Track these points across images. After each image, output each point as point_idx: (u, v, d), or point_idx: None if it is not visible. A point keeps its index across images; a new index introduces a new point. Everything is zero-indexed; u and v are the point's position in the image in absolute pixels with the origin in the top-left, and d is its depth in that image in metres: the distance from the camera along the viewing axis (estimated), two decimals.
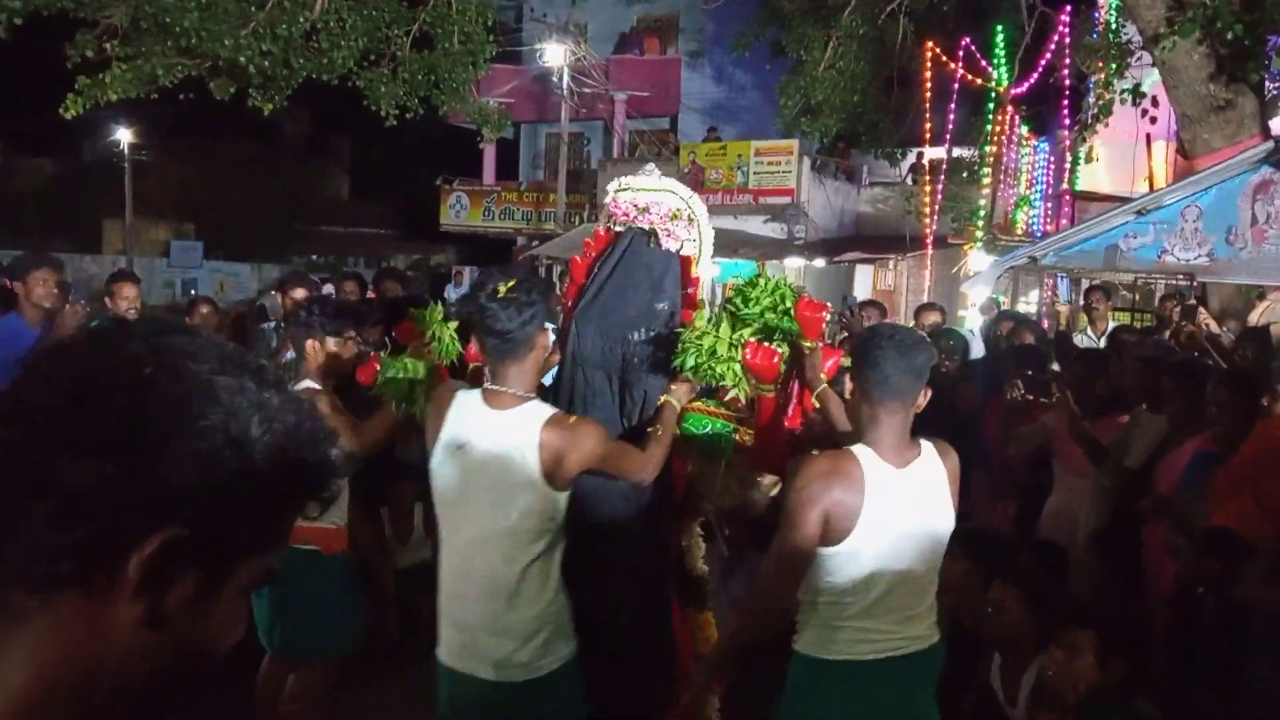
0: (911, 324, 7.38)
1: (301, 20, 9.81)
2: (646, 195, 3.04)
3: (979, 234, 13.34)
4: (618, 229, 3.06)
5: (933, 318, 7.33)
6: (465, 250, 27.82)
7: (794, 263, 16.75)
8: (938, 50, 13.58)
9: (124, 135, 29.34)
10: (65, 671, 0.77)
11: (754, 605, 2.59)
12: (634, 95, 21.79)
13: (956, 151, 14.22)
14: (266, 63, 9.80)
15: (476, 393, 2.56)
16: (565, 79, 20.00)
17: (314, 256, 31.08)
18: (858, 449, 2.45)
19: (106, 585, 0.76)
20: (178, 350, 0.80)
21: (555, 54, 19.83)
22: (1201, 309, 6.54)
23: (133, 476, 0.75)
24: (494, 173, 24.05)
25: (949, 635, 3.36)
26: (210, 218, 31.80)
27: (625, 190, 3.06)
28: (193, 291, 24.42)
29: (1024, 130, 14.15)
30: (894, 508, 2.42)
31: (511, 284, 2.50)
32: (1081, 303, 8.71)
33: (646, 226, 3.01)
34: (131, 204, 29.83)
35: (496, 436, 2.48)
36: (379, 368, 3.09)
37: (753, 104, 20.16)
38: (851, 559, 2.40)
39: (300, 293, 5.48)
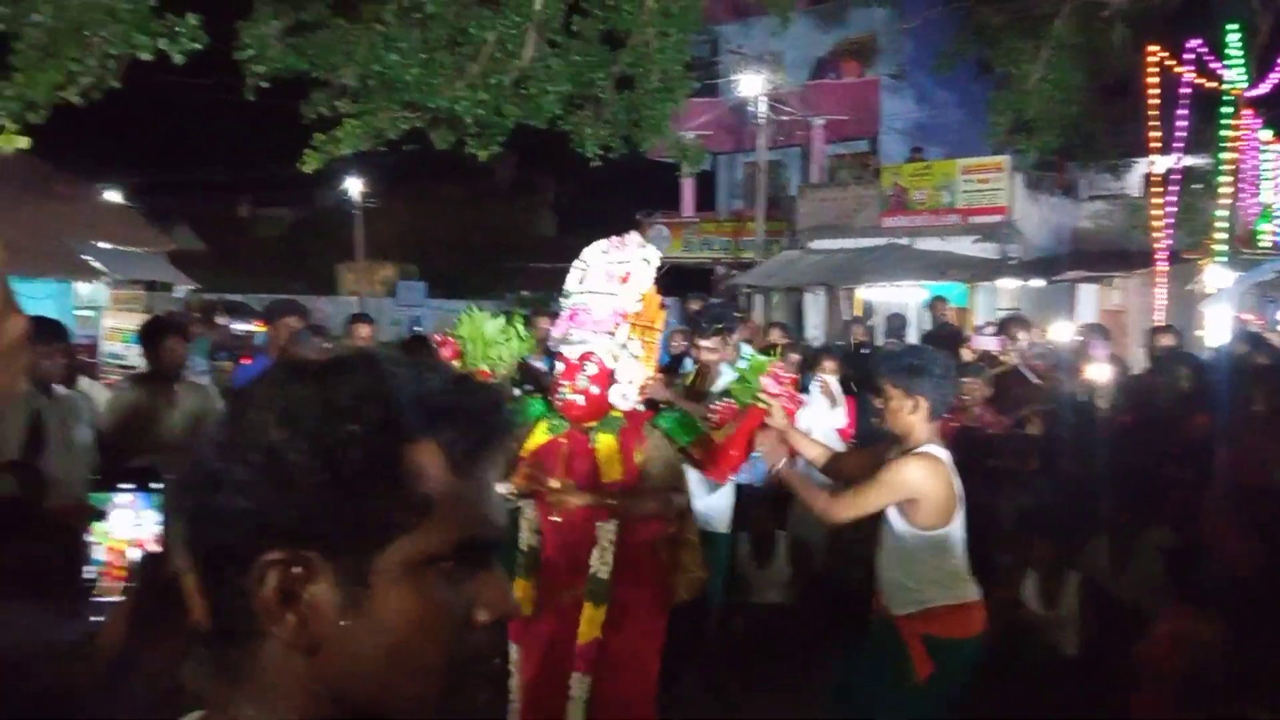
0: (1144, 347, 6.91)
1: (512, 69, 10.28)
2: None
3: (1217, 248, 12.29)
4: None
5: (1165, 340, 6.83)
6: (665, 280, 28.13)
7: (1007, 284, 15.94)
8: (1162, 54, 12.67)
9: (353, 184, 31.65)
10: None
11: None
12: (832, 119, 21.50)
13: (1187, 160, 13.18)
14: (481, 111, 10.31)
15: None
16: (762, 108, 19.98)
17: (524, 291, 32.38)
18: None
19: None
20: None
21: (752, 84, 19.85)
22: None
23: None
24: (693, 204, 24.33)
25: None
26: (430, 258, 33.75)
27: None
28: (415, 328, 25.97)
29: (1266, 134, 12.99)
30: None
31: None
32: None
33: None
34: (363, 248, 32.11)
35: None
36: None
37: (956, 122, 19.44)
38: None
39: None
